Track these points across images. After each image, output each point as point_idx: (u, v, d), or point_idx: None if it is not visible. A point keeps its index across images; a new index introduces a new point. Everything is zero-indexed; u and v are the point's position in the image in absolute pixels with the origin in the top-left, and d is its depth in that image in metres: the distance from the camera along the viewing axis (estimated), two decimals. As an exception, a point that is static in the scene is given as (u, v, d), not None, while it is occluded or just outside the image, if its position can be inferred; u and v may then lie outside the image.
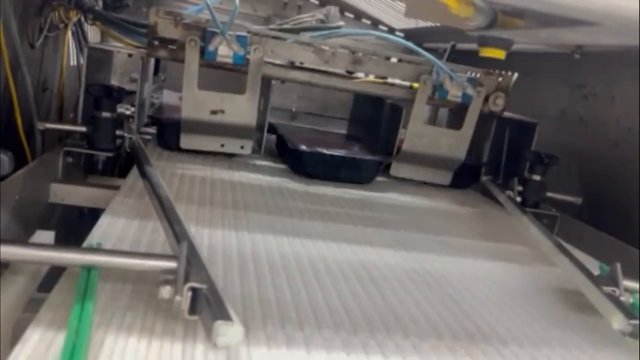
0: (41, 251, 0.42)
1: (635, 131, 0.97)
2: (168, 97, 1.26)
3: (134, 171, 0.78)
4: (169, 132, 0.98)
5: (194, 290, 0.40)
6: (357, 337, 0.45)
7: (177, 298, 0.40)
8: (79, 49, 1.17)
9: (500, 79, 1.01)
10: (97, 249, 0.47)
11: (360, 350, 0.43)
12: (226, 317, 0.37)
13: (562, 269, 0.67)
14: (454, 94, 0.97)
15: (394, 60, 1.01)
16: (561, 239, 0.84)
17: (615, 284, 0.56)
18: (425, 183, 1.05)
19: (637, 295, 0.56)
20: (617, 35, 0.52)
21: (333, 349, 0.42)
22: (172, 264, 0.43)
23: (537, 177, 0.97)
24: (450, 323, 0.51)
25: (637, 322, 0.49)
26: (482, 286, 0.62)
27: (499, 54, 0.68)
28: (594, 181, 1.04)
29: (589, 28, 0.42)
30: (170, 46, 0.92)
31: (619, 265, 0.58)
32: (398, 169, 1.04)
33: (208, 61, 0.91)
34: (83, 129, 0.87)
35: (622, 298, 0.54)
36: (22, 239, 0.59)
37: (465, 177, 1.07)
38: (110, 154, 0.89)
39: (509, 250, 0.77)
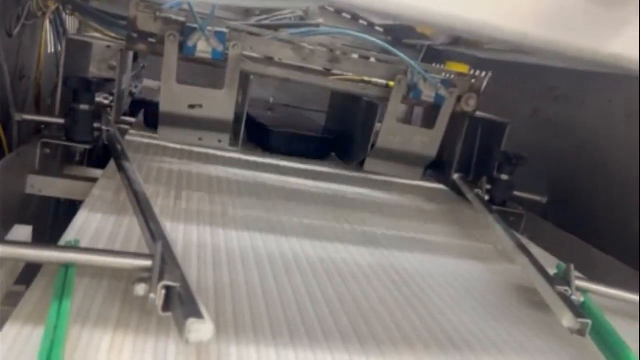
0: (19, 249, 0.44)
1: (601, 134, 1.01)
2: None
3: (112, 164, 0.79)
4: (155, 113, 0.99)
5: (167, 288, 0.42)
6: (323, 332, 0.48)
7: (152, 296, 0.42)
8: (58, 37, 1.17)
9: (473, 80, 1.04)
10: (74, 247, 0.48)
11: (324, 346, 0.46)
12: (198, 314, 0.39)
13: (521, 267, 0.70)
14: (428, 94, 0.99)
15: (371, 59, 1.04)
16: (527, 237, 0.88)
17: (568, 283, 0.59)
18: (395, 178, 1.09)
19: (588, 295, 0.60)
20: (560, 59, 0.55)
21: (299, 342, 0.45)
22: (147, 263, 0.45)
23: (505, 177, 1.00)
24: (412, 321, 0.54)
25: (585, 320, 0.52)
26: (445, 284, 0.65)
27: (464, 69, 0.71)
28: (561, 181, 1.08)
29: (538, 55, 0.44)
30: (149, 40, 0.93)
31: (572, 266, 0.61)
32: (372, 165, 1.08)
33: (187, 56, 0.92)
34: (61, 120, 0.88)
35: (573, 297, 0.58)
36: (0, 233, 0.60)
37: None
38: (87, 146, 0.90)
39: (474, 248, 0.80)
